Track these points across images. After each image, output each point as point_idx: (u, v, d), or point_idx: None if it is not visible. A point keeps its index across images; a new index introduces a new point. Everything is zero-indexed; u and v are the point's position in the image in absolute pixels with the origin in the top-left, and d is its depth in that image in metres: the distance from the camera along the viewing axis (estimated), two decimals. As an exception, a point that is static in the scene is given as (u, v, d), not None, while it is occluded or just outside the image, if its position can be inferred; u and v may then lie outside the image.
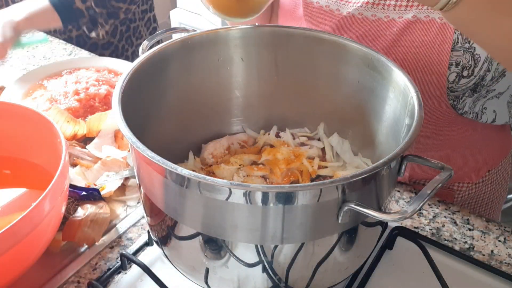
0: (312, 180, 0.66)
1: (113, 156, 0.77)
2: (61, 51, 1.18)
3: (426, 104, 0.68)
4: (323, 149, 0.71)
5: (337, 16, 0.72)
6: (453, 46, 0.66)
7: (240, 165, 0.67)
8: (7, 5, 1.27)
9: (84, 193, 0.70)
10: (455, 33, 0.65)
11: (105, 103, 0.90)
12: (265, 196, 0.43)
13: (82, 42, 1.30)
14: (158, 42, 0.64)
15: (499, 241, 0.68)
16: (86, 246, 0.66)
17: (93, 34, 1.23)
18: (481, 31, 0.55)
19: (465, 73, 0.67)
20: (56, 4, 1.13)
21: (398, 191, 0.76)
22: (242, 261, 0.49)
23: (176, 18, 2.45)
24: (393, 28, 0.69)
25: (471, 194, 0.85)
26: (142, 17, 1.38)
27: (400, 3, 0.69)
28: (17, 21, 1.06)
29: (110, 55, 1.33)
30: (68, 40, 1.29)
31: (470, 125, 0.78)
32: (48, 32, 1.25)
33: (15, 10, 1.09)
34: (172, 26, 2.48)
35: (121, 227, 0.70)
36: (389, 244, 0.66)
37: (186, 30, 0.67)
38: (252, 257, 0.49)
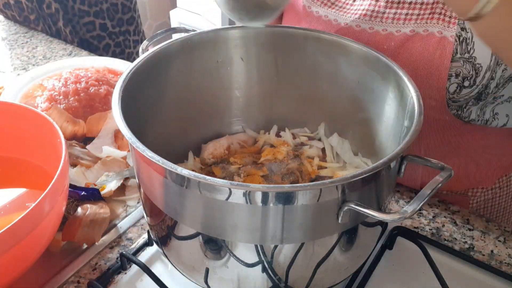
0: (312, 181, 0.66)
1: (113, 156, 0.77)
2: (61, 51, 1.18)
3: (428, 115, 0.68)
4: (323, 149, 0.71)
5: (335, 26, 0.72)
6: (452, 57, 0.64)
7: (240, 165, 0.67)
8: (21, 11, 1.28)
9: (84, 193, 0.70)
10: (454, 43, 0.64)
11: (105, 103, 0.90)
12: (265, 196, 0.43)
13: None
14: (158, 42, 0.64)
15: (499, 241, 0.68)
16: (86, 246, 0.66)
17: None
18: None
19: (466, 83, 0.65)
20: None
21: (398, 191, 0.76)
22: (242, 261, 0.49)
23: (176, 18, 2.45)
24: (391, 42, 0.68)
25: (487, 200, 0.83)
26: (134, 46, 1.41)
27: (398, 16, 0.67)
28: None
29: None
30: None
31: (481, 132, 0.75)
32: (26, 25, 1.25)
33: None
34: (172, 26, 2.48)
35: (121, 227, 0.70)
36: (389, 244, 0.66)
37: (186, 30, 0.67)
38: (252, 257, 0.49)
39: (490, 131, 0.76)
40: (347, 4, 0.72)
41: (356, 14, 0.70)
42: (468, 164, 0.79)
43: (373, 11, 0.69)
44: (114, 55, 1.36)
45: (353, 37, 0.68)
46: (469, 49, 0.63)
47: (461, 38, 0.63)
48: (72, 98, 0.89)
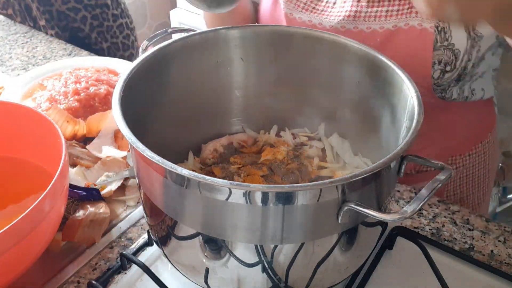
0: (312, 181, 0.66)
1: (113, 156, 0.77)
2: (61, 51, 1.18)
3: None
4: (323, 149, 0.71)
5: (321, 29, 0.74)
6: (433, 46, 0.69)
7: (240, 165, 0.67)
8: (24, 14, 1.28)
9: (84, 193, 0.70)
10: (433, 34, 0.68)
11: (105, 103, 0.90)
12: (265, 196, 0.43)
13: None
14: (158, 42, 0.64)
15: (499, 241, 0.68)
16: (86, 246, 0.66)
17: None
18: None
19: (448, 68, 0.71)
20: None
21: (398, 191, 0.76)
22: (242, 261, 0.49)
23: (176, 18, 2.45)
24: (376, 38, 0.72)
25: (466, 166, 0.88)
26: (114, 20, 1.38)
27: (380, 13, 0.71)
28: None
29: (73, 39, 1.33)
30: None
31: (461, 107, 0.81)
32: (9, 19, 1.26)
33: None
34: (172, 26, 2.48)
35: (121, 227, 0.70)
36: (389, 244, 0.66)
37: (186, 30, 0.67)
38: (252, 257, 0.49)
39: (469, 105, 0.82)
40: (328, 7, 0.76)
41: (339, 16, 0.74)
42: (448, 135, 0.85)
43: (356, 11, 0.73)
44: (92, 28, 1.34)
45: None
46: (447, 37, 0.69)
47: (439, 28, 0.68)
48: (72, 98, 0.89)
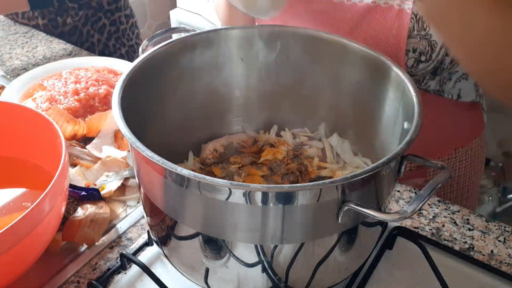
0: (312, 181, 0.66)
1: (113, 156, 0.77)
2: (61, 51, 1.18)
3: None
4: (323, 149, 0.71)
5: (306, 1, 0.76)
6: (409, 34, 0.69)
7: (240, 165, 0.67)
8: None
9: (84, 193, 0.70)
10: (411, 21, 0.69)
11: (105, 103, 0.90)
12: (265, 196, 0.43)
13: (48, 31, 1.30)
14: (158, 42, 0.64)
15: (499, 241, 0.68)
16: (86, 246, 0.66)
17: (60, 20, 1.22)
18: (450, 27, 0.49)
19: (422, 58, 0.71)
20: None
21: (398, 191, 0.76)
22: (242, 261, 0.49)
23: (176, 18, 2.45)
24: (354, 11, 0.73)
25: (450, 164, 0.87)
26: (126, 21, 1.38)
27: None
28: None
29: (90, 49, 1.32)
30: (36, 26, 1.29)
31: (436, 104, 0.80)
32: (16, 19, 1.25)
33: None
34: (172, 26, 2.48)
35: (121, 227, 0.70)
36: (389, 244, 0.66)
37: (186, 30, 0.67)
38: (252, 257, 0.49)
39: (446, 104, 0.81)
40: None
41: None
42: (425, 133, 0.84)
43: None
44: (109, 36, 1.35)
45: (320, 8, 0.74)
46: (425, 26, 0.69)
47: (417, 17, 0.69)
48: (72, 98, 0.89)
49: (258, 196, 0.43)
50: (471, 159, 0.90)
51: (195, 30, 0.66)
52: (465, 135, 0.88)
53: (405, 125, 0.53)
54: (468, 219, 0.71)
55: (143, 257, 0.65)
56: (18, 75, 1.02)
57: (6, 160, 0.71)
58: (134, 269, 0.63)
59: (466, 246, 0.67)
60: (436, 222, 0.71)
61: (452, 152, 0.86)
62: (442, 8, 0.48)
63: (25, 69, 1.10)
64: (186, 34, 0.65)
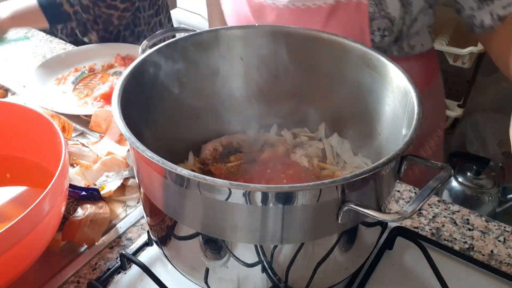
0: (311, 181, 0.66)
1: (113, 156, 0.77)
2: (61, 51, 1.18)
3: None
4: (323, 150, 0.71)
5: (274, 9, 0.82)
6: (372, 17, 0.78)
7: (240, 165, 0.67)
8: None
9: (84, 193, 0.70)
10: (371, 6, 0.76)
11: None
12: (264, 196, 0.43)
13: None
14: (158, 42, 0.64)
15: (499, 241, 0.68)
16: (86, 246, 0.66)
17: (85, 39, 1.23)
18: None
19: (386, 33, 0.80)
20: (43, 5, 1.12)
21: (398, 191, 0.76)
22: (241, 261, 0.49)
23: (176, 18, 2.45)
24: (322, 13, 0.79)
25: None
26: (147, 22, 1.37)
27: None
28: (3, 18, 1.06)
29: None
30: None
31: (403, 62, 0.85)
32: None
33: (1, 7, 1.09)
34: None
35: (121, 227, 0.70)
36: (389, 244, 0.66)
37: (186, 30, 0.67)
38: (252, 257, 0.49)
39: (413, 59, 0.89)
40: None
41: None
42: None
43: None
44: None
45: (291, 16, 0.81)
46: (383, 7, 0.77)
47: (376, 1, 0.77)
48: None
49: (258, 196, 0.43)
50: (435, 97, 0.97)
51: (195, 30, 0.66)
52: (426, 78, 0.94)
53: (406, 123, 0.53)
54: (468, 219, 0.71)
55: (143, 257, 0.65)
56: (18, 75, 1.02)
57: (6, 159, 0.71)
58: (134, 269, 0.63)
59: (466, 246, 0.67)
60: (436, 222, 0.71)
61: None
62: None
63: (25, 69, 1.10)
64: (186, 34, 0.65)
